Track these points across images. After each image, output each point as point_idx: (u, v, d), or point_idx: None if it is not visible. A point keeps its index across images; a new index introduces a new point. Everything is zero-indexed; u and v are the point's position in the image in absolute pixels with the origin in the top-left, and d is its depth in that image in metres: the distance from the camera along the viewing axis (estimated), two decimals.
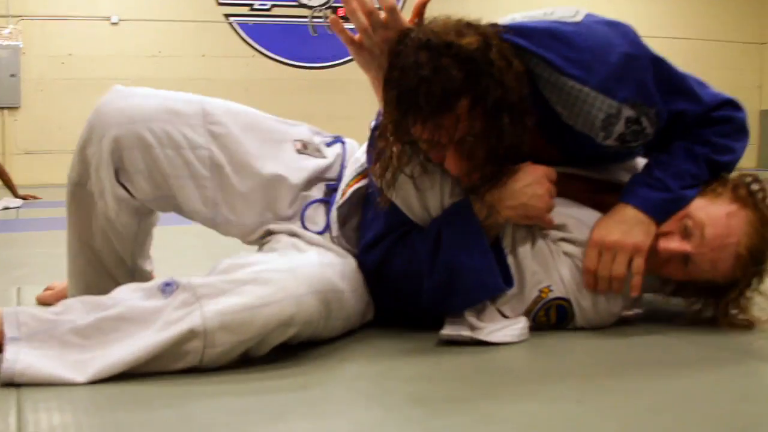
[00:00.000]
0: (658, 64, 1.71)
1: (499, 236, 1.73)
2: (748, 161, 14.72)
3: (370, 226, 1.79)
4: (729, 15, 14.75)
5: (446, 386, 1.43)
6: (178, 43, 11.92)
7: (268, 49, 12.57)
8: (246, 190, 1.84)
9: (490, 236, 1.70)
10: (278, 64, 12.50)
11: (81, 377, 1.43)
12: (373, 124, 1.79)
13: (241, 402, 1.35)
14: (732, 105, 1.79)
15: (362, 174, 1.85)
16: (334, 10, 12.81)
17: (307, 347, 1.64)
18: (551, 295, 1.72)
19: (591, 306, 1.74)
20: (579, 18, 1.71)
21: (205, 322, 1.47)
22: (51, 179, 10.71)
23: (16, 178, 7.78)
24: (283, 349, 1.57)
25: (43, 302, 2.25)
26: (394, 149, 1.64)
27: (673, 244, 1.71)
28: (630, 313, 1.80)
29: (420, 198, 1.70)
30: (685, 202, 1.75)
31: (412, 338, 1.73)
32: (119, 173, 1.81)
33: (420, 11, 1.69)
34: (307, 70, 12.65)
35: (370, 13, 1.68)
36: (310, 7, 12.80)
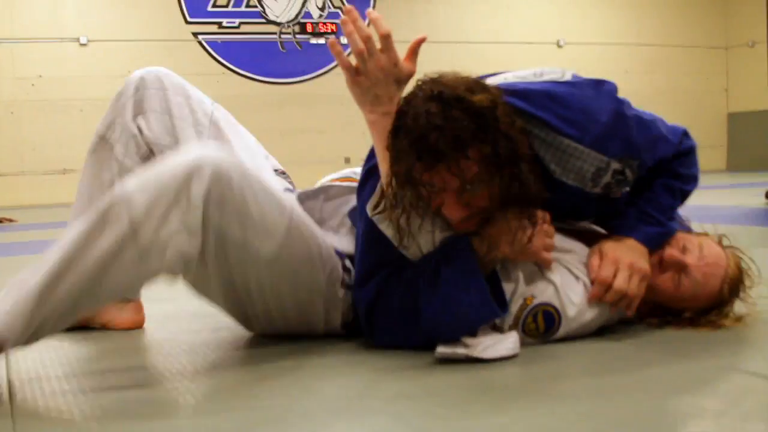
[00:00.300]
0: (638, 121, 1.85)
1: None
2: (717, 163, 14.92)
3: (361, 258, 1.85)
4: (694, 20, 14.95)
5: (426, 403, 1.49)
6: (147, 62, 11.86)
7: (237, 66, 12.61)
8: (237, 144, 2.18)
9: (486, 270, 1.78)
10: (248, 80, 12.55)
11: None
12: (366, 166, 1.88)
13: (217, 420, 1.41)
14: (687, 135, 1.98)
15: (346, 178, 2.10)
16: (303, 26, 12.89)
17: (287, 364, 1.72)
18: (535, 302, 1.80)
19: (575, 314, 1.82)
20: (568, 77, 1.83)
21: (123, 190, 1.61)
22: (26, 200, 10.73)
23: None
24: (261, 370, 1.63)
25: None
26: (398, 192, 1.70)
27: (677, 253, 1.90)
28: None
29: (412, 236, 1.76)
30: (672, 233, 1.94)
31: (391, 355, 1.80)
32: (137, 114, 2.11)
33: (415, 50, 1.78)
34: (277, 86, 12.70)
35: (367, 39, 1.75)
36: (279, 24, 12.87)
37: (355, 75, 1.78)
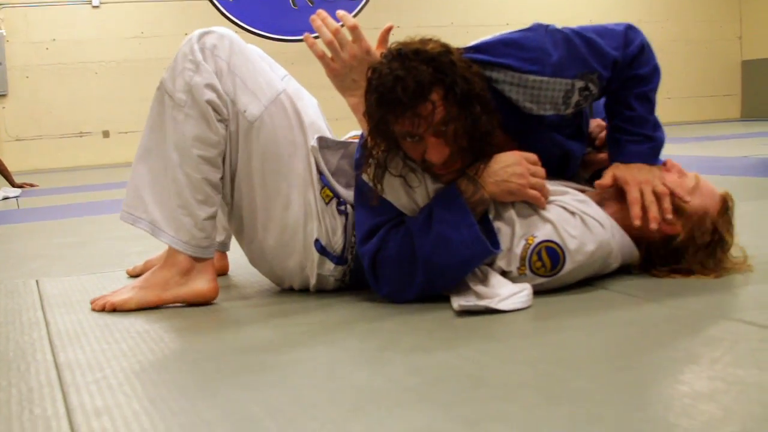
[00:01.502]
0: (583, 39, 2.01)
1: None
2: (732, 112, 14.85)
3: (362, 221, 2.01)
4: None
5: (439, 355, 1.60)
6: (159, 23, 11.97)
7: (249, 24, 12.61)
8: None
9: (477, 212, 1.92)
10: (261, 38, 12.54)
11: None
12: (360, 135, 2.06)
13: (258, 378, 1.52)
14: (632, 30, 2.12)
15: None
16: None
17: (310, 320, 1.83)
18: (537, 240, 1.91)
19: (578, 246, 1.91)
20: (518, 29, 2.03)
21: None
22: (44, 164, 10.83)
23: (10, 166, 7.89)
24: (284, 327, 1.74)
25: (133, 274, 2.62)
26: (381, 151, 1.90)
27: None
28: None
29: (408, 192, 1.94)
30: (662, 140, 2.11)
31: (404, 312, 1.92)
32: (198, 61, 2.12)
33: (384, 38, 2.01)
34: (289, 43, 12.70)
35: (336, 32, 2.02)
36: None
37: (331, 66, 2.03)
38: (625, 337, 1.65)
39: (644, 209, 2.00)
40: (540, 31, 2.00)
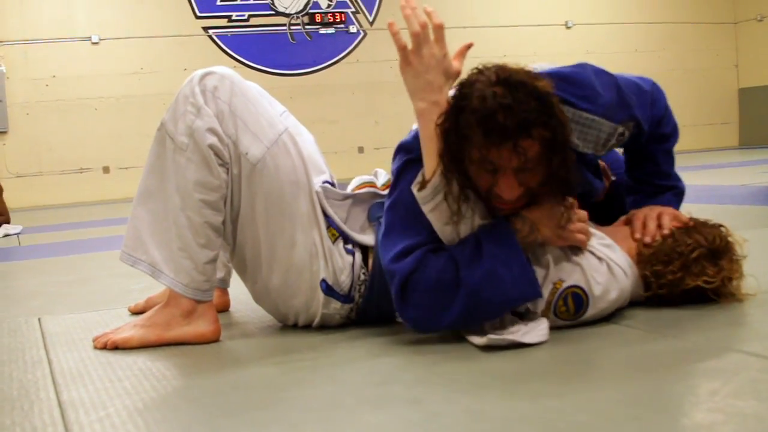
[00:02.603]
0: (633, 89, 2.06)
1: None
2: (730, 140, 14.90)
3: (396, 238, 1.94)
4: None
5: (441, 389, 1.60)
6: (159, 58, 12.04)
7: (248, 59, 12.69)
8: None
9: (525, 252, 1.88)
10: (259, 72, 12.60)
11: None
12: (398, 161, 2.01)
13: (261, 414, 1.53)
14: (657, 88, 2.18)
15: (367, 184, 2.24)
16: (312, 16, 12.95)
17: (311, 356, 1.84)
18: (564, 285, 1.90)
19: (601, 293, 1.92)
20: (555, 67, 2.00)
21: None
22: (45, 201, 10.86)
23: (11, 203, 7.87)
24: (285, 364, 1.75)
25: (135, 311, 2.63)
26: (449, 171, 1.84)
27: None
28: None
29: (454, 220, 1.88)
30: (683, 189, 2.28)
31: (404, 347, 1.92)
32: (199, 105, 2.11)
33: (463, 53, 1.95)
34: (288, 77, 12.76)
35: (424, 26, 1.89)
36: (288, 15, 12.93)
37: (410, 57, 1.90)
38: (624, 369, 1.66)
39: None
40: (588, 70, 2.00)
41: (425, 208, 1.88)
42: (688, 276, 2.03)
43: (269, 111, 2.18)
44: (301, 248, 2.13)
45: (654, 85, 2.16)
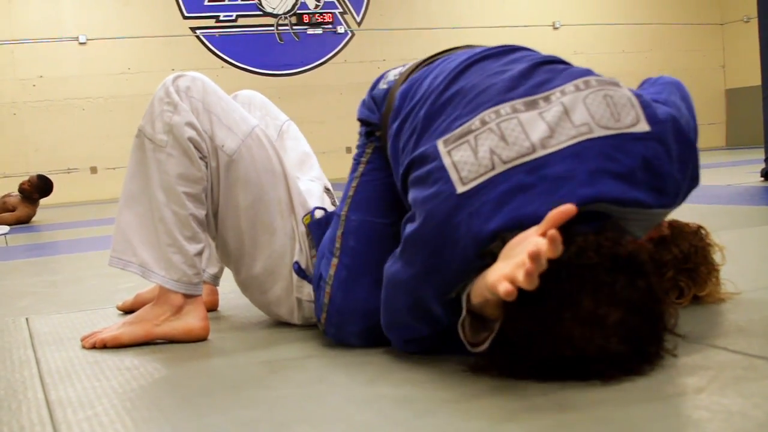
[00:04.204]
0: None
1: None
2: (717, 140, 14.97)
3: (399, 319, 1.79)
4: None
5: (430, 388, 1.61)
6: (146, 59, 12.03)
7: (236, 60, 12.70)
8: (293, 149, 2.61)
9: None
10: (247, 73, 12.62)
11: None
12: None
13: (249, 413, 1.53)
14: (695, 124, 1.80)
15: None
16: (299, 17, 12.95)
17: (298, 355, 1.84)
18: None
19: None
20: (646, 127, 1.62)
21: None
22: None
23: None
24: (273, 363, 1.75)
25: (124, 309, 2.65)
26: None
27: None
28: None
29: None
30: None
31: (392, 346, 1.92)
32: (175, 102, 2.14)
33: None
34: (276, 78, 12.77)
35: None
36: (275, 16, 12.94)
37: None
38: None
39: None
40: (667, 128, 1.64)
41: (460, 332, 1.60)
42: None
43: (240, 109, 2.24)
44: (281, 233, 2.18)
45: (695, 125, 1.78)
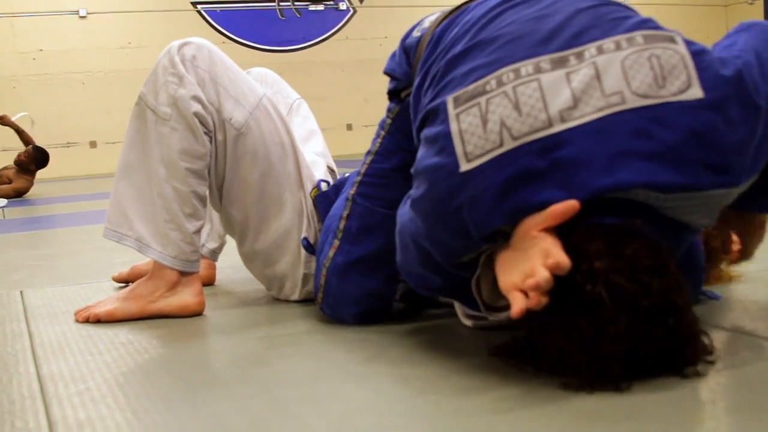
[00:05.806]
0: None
1: None
2: None
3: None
4: None
5: (429, 366, 1.58)
6: (147, 33, 11.97)
7: (237, 35, 12.64)
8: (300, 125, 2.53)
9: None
10: (249, 49, 12.56)
11: None
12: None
13: (244, 389, 1.50)
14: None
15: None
16: None
17: (298, 330, 1.81)
18: None
19: None
20: (699, 93, 1.38)
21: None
22: None
23: None
24: (274, 339, 1.73)
25: (119, 279, 2.62)
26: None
27: None
28: None
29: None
30: None
31: (390, 324, 1.90)
32: (181, 74, 2.08)
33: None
34: (277, 54, 12.72)
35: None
36: None
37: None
38: None
39: None
40: (727, 91, 1.39)
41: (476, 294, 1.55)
42: None
43: (248, 78, 2.19)
44: (290, 208, 2.15)
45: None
